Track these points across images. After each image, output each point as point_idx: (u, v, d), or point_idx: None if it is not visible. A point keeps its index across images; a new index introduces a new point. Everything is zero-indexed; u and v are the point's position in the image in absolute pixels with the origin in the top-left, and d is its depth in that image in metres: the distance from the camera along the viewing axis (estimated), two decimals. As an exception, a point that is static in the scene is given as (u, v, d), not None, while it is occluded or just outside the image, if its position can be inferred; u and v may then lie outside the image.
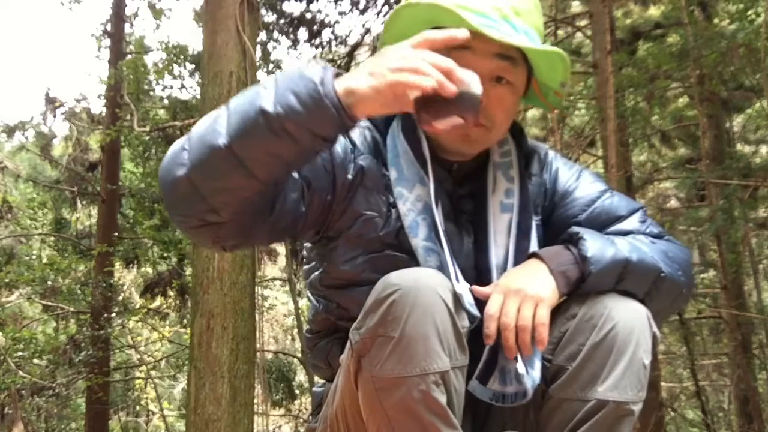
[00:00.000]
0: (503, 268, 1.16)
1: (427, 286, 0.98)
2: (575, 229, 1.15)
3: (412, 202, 1.15)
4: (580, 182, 1.27)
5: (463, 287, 1.06)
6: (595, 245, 1.10)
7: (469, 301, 1.06)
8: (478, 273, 1.17)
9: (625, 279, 1.10)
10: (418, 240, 1.13)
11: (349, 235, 1.15)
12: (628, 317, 1.06)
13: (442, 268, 1.09)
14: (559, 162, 1.31)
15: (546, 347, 1.11)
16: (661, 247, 1.16)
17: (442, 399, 0.97)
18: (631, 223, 1.22)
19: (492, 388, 1.11)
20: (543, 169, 1.28)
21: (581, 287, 1.09)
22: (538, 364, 1.11)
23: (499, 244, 1.18)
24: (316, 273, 1.22)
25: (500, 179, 1.22)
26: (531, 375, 1.10)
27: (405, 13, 1.15)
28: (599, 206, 1.24)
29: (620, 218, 1.23)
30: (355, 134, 1.19)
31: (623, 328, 1.05)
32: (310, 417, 1.33)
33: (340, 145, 1.14)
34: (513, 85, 1.15)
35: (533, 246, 1.18)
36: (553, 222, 1.25)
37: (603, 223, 1.22)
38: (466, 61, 1.08)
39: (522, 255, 1.16)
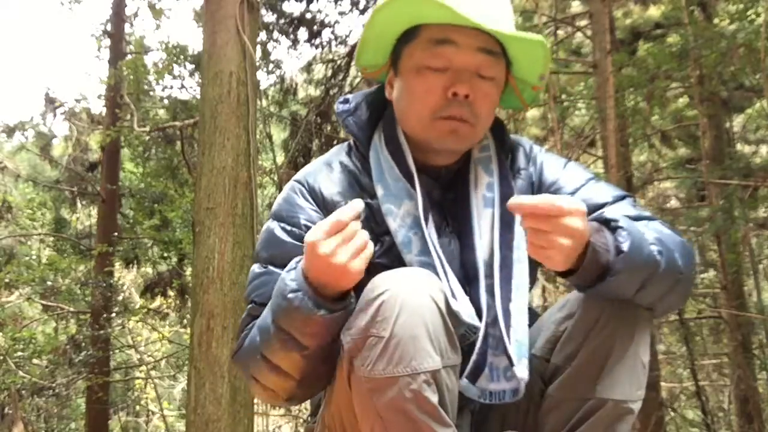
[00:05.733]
0: (489, 263, 1.15)
1: (417, 285, 0.99)
2: (610, 215, 1.05)
3: (402, 217, 1.14)
4: (566, 171, 1.27)
5: (461, 304, 1.06)
6: (634, 241, 0.99)
7: (468, 314, 1.06)
8: (464, 269, 1.16)
9: (648, 285, 1.01)
10: (412, 256, 1.13)
11: None
12: (626, 316, 1.05)
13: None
14: (544, 155, 1.30)
15: (544, 347, 1.10)
16: (655, 232, 1.08)
17: (434, 398, 0.97)
18: (616, 209, 1.16)
19: (480, 386, 1.10)
20: (529, 162, 1.28)
21: (601, 285, 0.99)
22: (525, 361, 1.09)
23: (484, 238, 1.17)
24: None
25: (481, 174, 1.22)
26: (519, 370, 1.08)
27: (382, 14, 1.14)
28: (584, 193, 1.22)
29: (605, 204, 1.20)
30: (321, 183, 1.21)
31: (622, 328, 1.04)
32: (309, 417, 1.33)
33: (312, 215, 1.18)
34: (495, 80, 1.15)
35: (518, 236, 1.16)
36: None
37: (589, 209, 1.15)
38: (451, 55, 1.11)
39: (506, 246, 1.15)
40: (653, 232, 1.05)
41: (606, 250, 0.98)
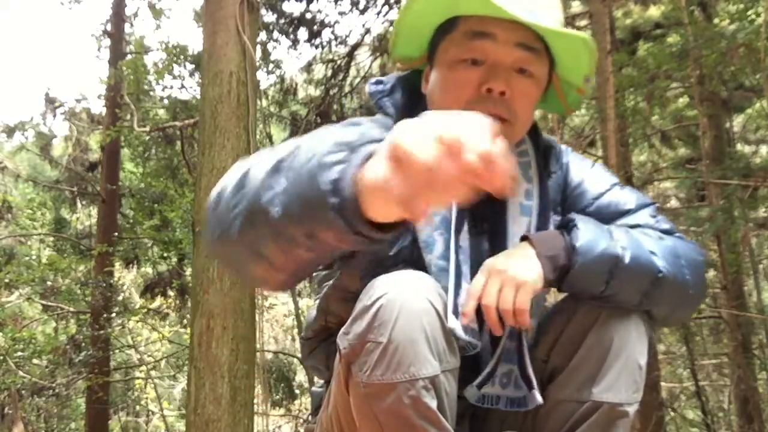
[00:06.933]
0: None
1: (416, 289, 0.96)
2: (572, 215, 1.09)
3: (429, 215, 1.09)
4: (591, 174, 1.23)
5: (454, 322, 1.02)
6: (587, 235, 1.03)
7: (460, 335, 1.02)
8: None
9: (615, 278, 1.02)
10: (432, 257, 1.09)
11: (363, 253, 1.10)
12: (623, 318, 1.05)
13: (447, 290, 1.05)
14: (570, 156, 1.26)
15: (543, 348, 1.09)
16: (668, 244, 1.09)
17: (433, 404, 0.95)
18: (641, 217, 1.17)
19: (482, 391, 1.10)
20: (558, 162, 1.24)
21: (565, 280, 1.03)
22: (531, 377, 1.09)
23: None
24: (329, 283, 1.19)
25: (520, 180, 1.16)
26: (537, 396, 1.07)
27: (417, 4, 1.09)
28: (607, 198, 1.19)
29: (628, 212, 1.18)
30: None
31: (618, 329, 1.04)
32: (310, 417, 1.31)
33: None
34: (536, 77, 1.09)
35: None
36: (565, 214, 1.20)
37: (611, 215, 1.17)
38: (487, 49, 1.05)
39: None
40: (630, 235, 1.07)
41: (557, 253, 1.03)
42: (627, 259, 1.03)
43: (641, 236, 1.09)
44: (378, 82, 1.22)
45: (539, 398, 1.07)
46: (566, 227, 1.07)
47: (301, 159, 0.77)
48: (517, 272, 1.00)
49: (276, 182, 0.77)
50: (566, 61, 1.11)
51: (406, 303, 0.94)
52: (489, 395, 1.10)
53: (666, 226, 1.17)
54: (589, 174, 1.23)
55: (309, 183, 0.74)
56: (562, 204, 1.22)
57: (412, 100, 1.17)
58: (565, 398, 1.06)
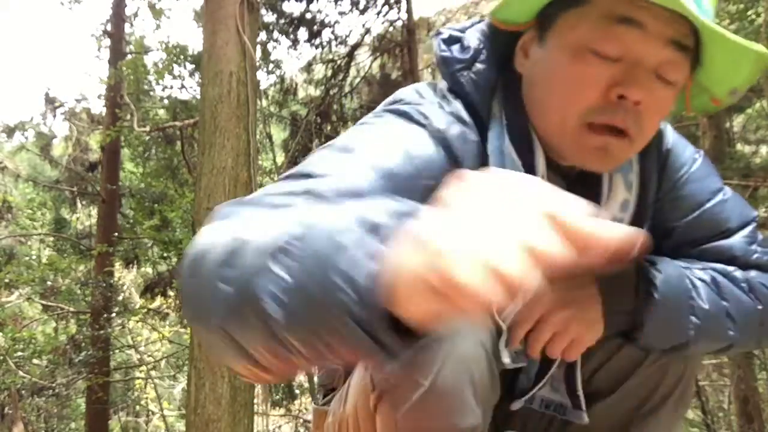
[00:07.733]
0: None
1: (468, 330, 0.82)
2: (656, 264, 0.90)
3: None
4: (693, 174, 0.99)
5: (506, 356, 0.90)
6: (663, 313, 0.88)
7: (509, 365, 0.92)
8: None
9: (678, 351, 0.92)
10: None
11: None
12: (676, 367, 0.97)
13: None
14: (671, 139, 1.00)
15: (587, 370, 1.01)
16: (750, 307, 0.92)
17: None
18: (737, 242, 0.96)
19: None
20: (658, 152, 0.99)
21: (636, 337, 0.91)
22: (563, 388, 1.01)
23: None
24: None
25: (618, 185, 0.93)
26: (584, 416, 0.99)
27: None
28: (707, 211, 0.97)
29: (727, 231, 0.96)
30: (454, 136, 0.85)
31: (669, 376, 0.97)
32: (317, 396, 1.21)
33: (435, 161, 0.82)
34: (675, 86, 0.83)
35: None
36: (653, 220, 0.98)
37: (705, 234, 0.97)
38: (632, 42, 0.79)
39: None
40: (711, 302, 0.91)
41: (623, 318, 0.90)
42: (698, 340, 0.90)
43: (723, 300, 0.92)
44: (453, 40, 0.92)
45: (586, 419, 0.98)
46: (643, 275, 0.89)
47: (315, 244, 0.52)
48: (578, 329, 0.88)
49: (280, 270, 0.53)
50: (718, 68, 0.85)
51: (456, 348, 0.81)
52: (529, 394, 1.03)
53: (758, 254, 0.97)
54: (690, 175, 0.99)
55: (321, 277, 0.50)
56: (654, 204, 0.98)
57: (502, 80, 0.90)
58: (599, 427, 1.00)
